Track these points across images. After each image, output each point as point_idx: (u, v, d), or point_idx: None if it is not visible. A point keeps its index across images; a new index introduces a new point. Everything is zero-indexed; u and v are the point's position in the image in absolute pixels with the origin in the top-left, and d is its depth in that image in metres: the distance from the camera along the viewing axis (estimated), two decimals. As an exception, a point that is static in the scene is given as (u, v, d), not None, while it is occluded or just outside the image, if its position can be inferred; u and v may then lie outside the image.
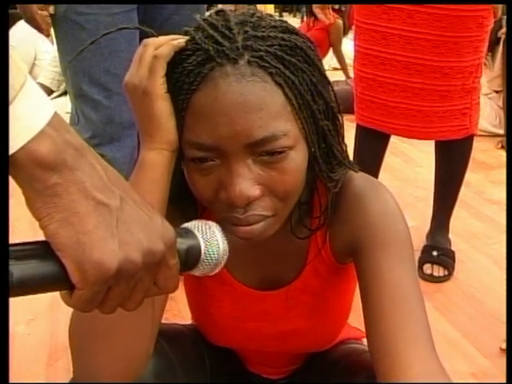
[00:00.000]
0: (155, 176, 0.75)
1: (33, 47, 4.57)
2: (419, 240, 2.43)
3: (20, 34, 4.15)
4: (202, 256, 0.64)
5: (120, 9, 1.63)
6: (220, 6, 0.82)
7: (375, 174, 2.33)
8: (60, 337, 1.93)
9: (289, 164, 0.72)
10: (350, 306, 1.04)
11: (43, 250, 0.48)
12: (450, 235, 2.46)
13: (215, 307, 0.98)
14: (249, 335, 0.99)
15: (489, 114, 4.16)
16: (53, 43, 3.99)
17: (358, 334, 1.16)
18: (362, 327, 0.83)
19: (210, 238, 0.64)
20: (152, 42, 0.76)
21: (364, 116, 2.24)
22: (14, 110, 0.44)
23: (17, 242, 0.49)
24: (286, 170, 0.72)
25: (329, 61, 6.30)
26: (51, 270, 0.48)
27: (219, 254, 0.65)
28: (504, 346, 1.85)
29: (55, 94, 4.20)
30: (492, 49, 3.99)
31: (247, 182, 0.71)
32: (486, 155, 3.79)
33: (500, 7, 2.03)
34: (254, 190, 0.71)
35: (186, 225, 0.66)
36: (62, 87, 4.06)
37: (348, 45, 5.58)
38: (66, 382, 0.81)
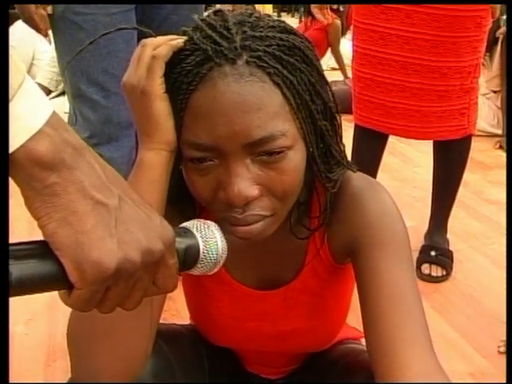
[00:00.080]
0: (154, 176, 0.75)
1: (31, 47, 4.57)
2: (417, 240, 2.43)
3: (18, 33, 4.15)
4: (201, 255, 0.64)
5: (118, 9, 1.63)
6: (218, 6, 0.82)
7: (373, 174, 2.33)
8: (58, 337, 1.93)
9: (287, 164, 0.72)
10: (348, 306, 1.04)
11: (42, 249, 0.48)
12: (448, 235, 2.46)
13: (214, 307, 0.98)
14: (248, 335, 0.99)
15: (487, 114, 4.16)
16: (51, 43, 3.99)
17: (357, 334, 1.16)
18: (361, 327, 0.83)
19: (209, 237, 0.65)
20: (150, 42, 0.76)
21: (362, 116, 2.24)
22: (12, 110, 0.44)
23: (15, 241, 0.49)
24: (285, 169, 0.72)
25: (327, 61, 6.30)
26: (50, 269, 0.48)
27: (218, 254, 0.65)
28: (502, 348, 1.85)
29: (53, 94, 4.21)
30: (490, 49, 4.00)
31: (246, 181, 0.71)
32: (484, 155, 3.80)
33: (498, 7, 2.04)
34: (253, 190, 0.71)
35: (184, 224, 0.66)
36: (60, 87, 4.06)
37: (346, 45, 5.57)
38: (65, 382, 0.81)
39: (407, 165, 3.68)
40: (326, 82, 0.79)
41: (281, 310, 0.96)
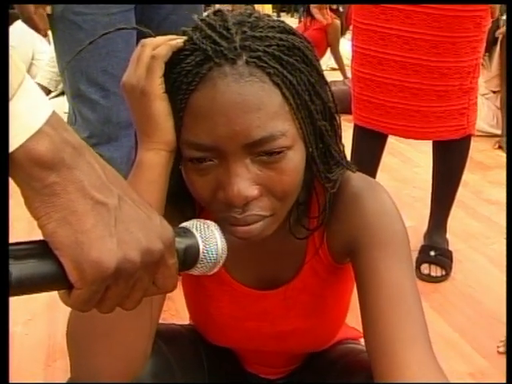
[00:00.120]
0: (153, 176, 0.75)
1: (31, 47, 4.57)
2: (417, 240, 2.43)
3: (18, 33, 4.15)
4: (201, 255, 0.64)
5: (117, 9, 1.63)
6: (217, 6, 0.82)
7: (373, 174, 2.33)
8: (58, 337, 1.93)
9: (287, 164, 0.72)
10: (347, 305, 1.04)
11: (41, 249, 0.48)
12: (448, 235, 2.46)
13: (214, 307, 0.98)
14: (248, 335, 0.99)
15: (486, 115, 4.16)
16: (50, 43, 3.98)
17: (356, 334, 1.16)
18: (360, 327, 0.83)
19: (209, 237, 0.65)
20: (150, 42, 0.76)
21: (362, 116, 2.24)
22: (12, 109, 0.44)
23: (15, 241, 0.49)
24: (284, 169, 0.73)
25: (326, 61, 6.30)
26: (49, 269, 0.48)
27: (218, 254, 0.65)
28: (501, 348, 1.85)
29: (53, 94, 4.20)
30: (489, 49, 4.00)
31: (245, 181, 0.71)
32: (483, 155, 3.80)
33: (498, 7, 2.04)
34: (252, 190, 0.71)
35: (184, 224, 0.66)
36: (60, 87, 4.06)
37: (346, 45, 5.57)
38: (65, 382, 0.81)
39: (407, 165, 3.68)
40: (326, 82, 0.79)
41: (280, 309, 0.96)
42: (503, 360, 1.79)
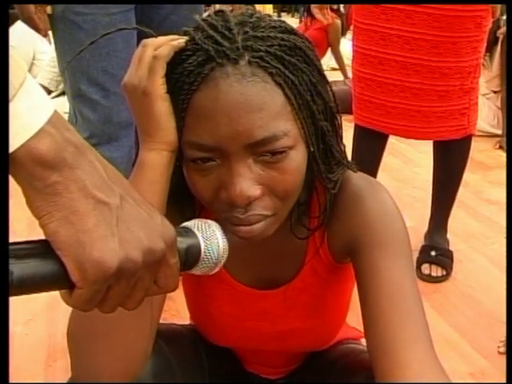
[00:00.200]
0: (155, 176, 0.75)
1: (31, 47, 4.57)
2: (417, 240, 2.43)
3: (18, 34, 4.15)
4: (202, 255, 0.64)
5: (118, 9, 1.63)
6: (217, 7, 0.82)
7: (373, 174, 2.33)
8: (58, 337, 1.93)
9: (289, 164, 0.73)
10: (348, 305, 1.04)
11: (43, 248, 0.48)
12: (448, 235, 2.46)
13: (214, 306, 0.98)
14: (248, 334, 0.99)
15: (487, 115, 4.16)
16: (51, 43, 3.99)
17: (357, 334, 1.16)
18: (361, 327, 0.83)
19: (210, 236, 0.65)
20: (151, 42, 0.76)
21: (362, 116, 2.24)
22: (13, 108, 0.44)
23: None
24: (287, 169, 0.73)
25: (327, 61, 6.30)
26: (51, 268, 0.48)
27: (219, 253, 0.65)
28: (502, 348, 1.85)
29: (53, 94, 4.21)
30: (490, 49, 4.00)
31: (248, 181, 0.71)
32: (484, 155, 3.80)
33: (498, 7, 2.04)
34: (255, 190, 0.72)
35: (185, 224, 0.66)
36: (61, 87, 4.07)
37: (346, 45, 5.58)
38: (65, 382, 0.81)
39: (407, 165, 3.69)
40: (327, 82, 0.79)
41: (280, 309, 0.96)
42: (503, 360, 1.79)
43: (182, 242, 0.61)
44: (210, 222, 0.66)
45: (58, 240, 0.47)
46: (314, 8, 2.60)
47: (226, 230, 0.67)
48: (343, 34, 6.07)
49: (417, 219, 2.62)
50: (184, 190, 0.80)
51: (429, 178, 2.44)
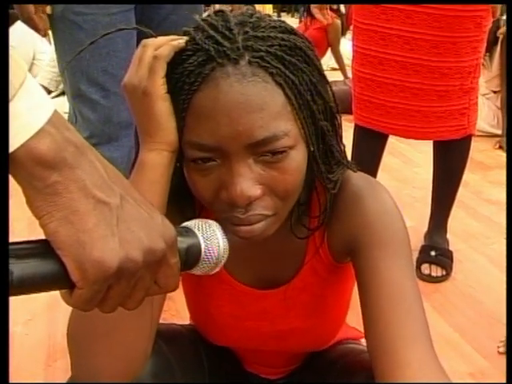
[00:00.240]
0: (155, 177, 0.75)
1: (31, 47, 4.58)
2: (417, 240, 2.43)
3: (18, 34, 4.15)
4: (203, 255, 0.64)
5: (118, 9, 1.63)
6: (217, 7, 0.82)
7: (373, 174, 2.33)
8: (58, 337, 1.93)
9: (290, 164, 0.73)
10: (348, 305, 1.04)
11: (43, 248, 0.48)
12: (448, 235, 2.46)
13: (214, 306, 0.98)
14: (248, 334, 0.99)
15: (487, 115, 4.17)
16: (51, 43, 3.99)
17: (356, 334, 1.16)
18: (361, 327, 0.83)
19: (210, 236, 0.65)
20: (151, 42, 0.76)
21: (362, 116, 2.24)
22: (13, 108, 0.44)
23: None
24: (287, 169, 0.73)
25: (327, 61, 6.30)
26: (51, 268, 0.48)
27: (219, 253, 0.65)
28: (502, 348, 1.85)
29: (53, 94, 4.21)
30: (490, 49, 4.00)
31: (248, 181, 0.71)
32: (483, 155, 3.80)
33: (499, 7, 2.04)
34: (255, 190, 0.72)
35: (186, 224, 0.66)
36: (60, 87, 4.07)
37: (346, 45, 5.58)
38: (65, 382, 0.81)
39: (407, 165, 3.69)
40: (327, 82, 0.79)
41: (280, 309, 0.96)
42: (503, 360, 1.79)
43: (183, 242, 0.61)
44: (210, 221, 0.66)
45: (58, 240, 0.47)
46: (314, 8, 2.60)
47: (226, 230, 0.68)
48: (343, 33, 6.07)
49: (417, 219, 2.62)
50: (184, 190, 0.80)
51: (429, 178, 2.44)
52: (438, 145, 2.30)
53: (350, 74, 2.73)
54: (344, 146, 0.85)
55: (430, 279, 2.28)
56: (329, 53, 5.98)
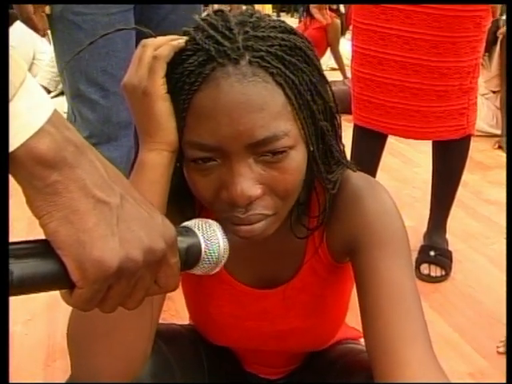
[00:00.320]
0: (155, 177, 0.75)
1: (31, 47, 4.58)
2: (416, 240, 2.43)
3: (18, 34, 4.15)
4: (203, 254, 0.64)
5: (117, 9, 1.63)
6: (216, 7, 0.82)
7: (373, 174, 2.34)
8: (58, 337, 1.93)
9: (290, 163, 0.73)
10: (347, 305, 1.04)
11: (43, 248, 0.48)
12: (448, 235, 2.46)
13: (214, 306, 0.98)
14: (248, 334, 0.99)
15: (486, 115, 4.17)
16: (51, 43, 3.99)
17: (356, 334, 1.16)
18: (360, 327, 0.83)
19: (211, 236, 0.65)
20: (151, 42, 0.75)
21: (362, 116, 2.24)
22: (13, 108, 0.44)
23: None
24: (287, 169, 0.73)
25: (326, 61, 6.30)
26: (51, 268, 0.48)
27: (220, 253, 0.65)
28: (501, 348, 1.85)
29: (52, 94, 4.21)
30: (489, 49, 4.00)
31: (248, 181, 0.71)
32: (483, 155, 3.80)
33: (498, 7, 2.04)
34: (256, 190, 0.72)
35: (186, 223, 0.66)
36: (60, 87, 4.07)
37: (346, 45, 5.58)
38: (65, 382, 0.81)
39: (407, 165, 3.69)
40: (327, 82, 0.79)
41: (280, 309, 0.96)
42: (503, 360, 1.79)
43: (183, 242, 0.61)
44: (210, 221, 0.66)
45: (58, 239, 0.47)
46: (313, 8, 2.59)
47: (226, 230, 0.68)
48: (343, 33, 6.07)
49: (416, 219, 2.62)
50: (184, 190, 0.80)
51: (428, 178, 2.44)
52: (437, 145, 2.31)
53: (349, 74, 2.73)
54: (343, 146, 0.85)
55: (429, 279, 2.28)
56: (328, 53, 5.98)
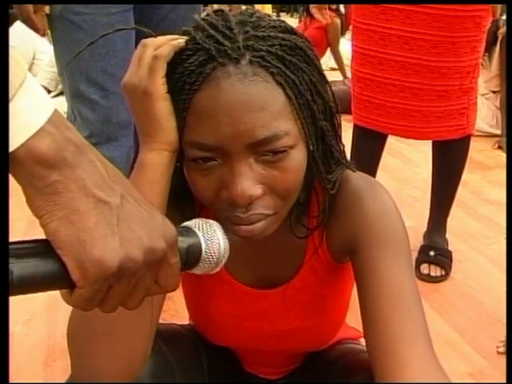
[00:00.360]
0: (155, 176, 0.75)
1: (32, 47, 4.57)
2: (416, 240, 2.43)
3: (18, 34, 4.15)
4: (203, 254, 0.64)
5: (117, 9, 1.63)
6: (215, 6, 0.82)
7: (373, 174, 2.33)
8: (58, 337, 1.93)
9: (290, 163, 0.73)
10: (347, 305, 1.04)
11: (43, 248, 0.48)
12: (448, 235, 2.46)
13: (214, 306, 0.98)
14: (248, 334, 0.99)
15: (486, 115, 4.17)
16: (51, 43, 3.99)
17: (356, 334, 1.16)
18: (360, 327, 0.83)
19: (211, 236, 0.65)
20: (151, 42, 0.75)
21: (361, 116, 2.24)
22: (13, 108, 0.44)
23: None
24: (288, 168, 0.73)
25: (326, 61, 6.30)
26: (52, 268, 0.48)
27: (220, 253, 0.65)
28: (501, 348, 1.85)
29: (52, 94, 4.21)
30: (489, 49, 4.00)
31: (249, 181, 0.71)
32: (483, 155, 3.80)
33: (499, 7, 2.04)
34: (256, 189, 0.72)
35: (186, 223, 0.66)
36: (60, 87, 4.06)
37: (346, 45, 5.57)
38: (65, 382, 0.81)
39: (407, 165, 3.69)
40: (327, 82, 0.79)
41: (280, 309, 0.96)
42: (503, 360, 1.79)
43: (183, 242, 0.61)
44: (211, 221, 0.66)
45: (58, 239, 0.47)
46: (313, 8, 2.59)
47: (226, 230, 0.68)
48: (342, 33, 6.07)
49: (416, 219, 2.62)
50: (184, 190, 0.80)
51: (428, 178, 2.44)
52: (437, 145, 2.31)
53: (349, 74, 2.73)
54: (343, 146, 0.85)
55: (429, 279, 2.28)
56: (328, 53, 5.98)
